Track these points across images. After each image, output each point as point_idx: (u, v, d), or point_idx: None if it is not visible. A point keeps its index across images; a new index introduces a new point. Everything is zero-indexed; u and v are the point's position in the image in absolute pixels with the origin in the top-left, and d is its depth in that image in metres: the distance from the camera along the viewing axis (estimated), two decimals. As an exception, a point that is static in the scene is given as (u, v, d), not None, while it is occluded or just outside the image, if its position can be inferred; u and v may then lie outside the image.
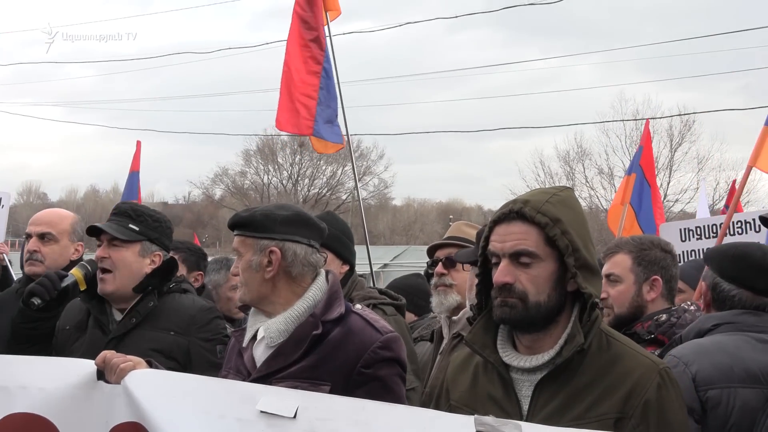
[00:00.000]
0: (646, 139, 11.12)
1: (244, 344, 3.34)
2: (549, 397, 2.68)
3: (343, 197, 64.11)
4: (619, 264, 4.15)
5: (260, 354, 3.28)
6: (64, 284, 4.09)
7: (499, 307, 2.72)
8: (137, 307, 4.02)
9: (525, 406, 2.72)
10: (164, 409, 3.01)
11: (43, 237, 4.80)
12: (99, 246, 4.09)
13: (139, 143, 11.36)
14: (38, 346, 4.07)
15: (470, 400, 2.85)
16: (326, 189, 65.37)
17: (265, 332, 3.25)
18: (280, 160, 65.90)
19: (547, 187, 2.98)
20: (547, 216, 2.69)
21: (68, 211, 5.13)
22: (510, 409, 2.72)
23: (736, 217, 7.22)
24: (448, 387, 3.01)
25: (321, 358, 3.16)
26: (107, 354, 3.20)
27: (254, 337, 3.32)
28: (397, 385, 3.22)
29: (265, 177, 66.36)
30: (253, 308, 3.38)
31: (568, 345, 2.68)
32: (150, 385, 3.09)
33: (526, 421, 2.64)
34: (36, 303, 3.99)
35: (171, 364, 3.79)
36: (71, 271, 4.12)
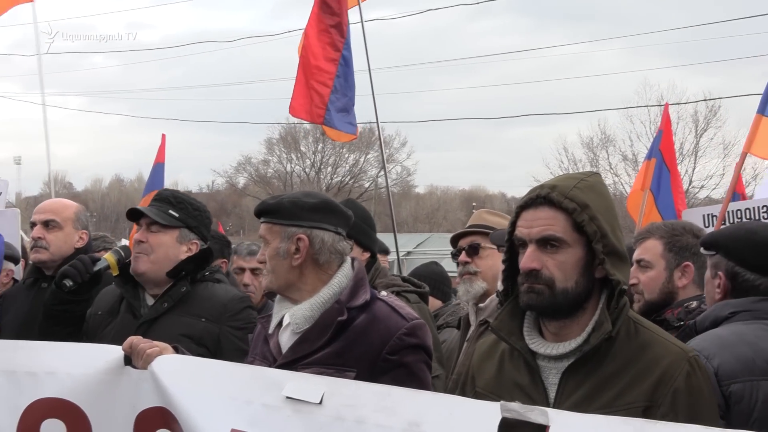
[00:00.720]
0: (666, 123, 10.81)
1: (270, 331, 3.35)
2: (576, 385, 2.66)
3: (366, 185, 64.13)
4: (650, 250, 4.08)
5: (286, 340, 3.28)
6: (96, 268, 4.12)
7: (526, 293, 2.70)
8: (169, 292, 4.05)
9: (552, 394, 2.70)
10: (190, 395, 3.03)
11: (47, 224, 4.84)
12: (137, 230, 4.11)
13: (164, 136, 11.37)
14: (69, 329, 4.10)
15: (496, 388, 2.82)
16: (349, 177, 65.41)
17: (291, 318, 3.26)
18: (302, 149, 65.99)
19: (574, 172, 2.94)
20: (574, 201, 2.66)
21: (71, 201, 5.18)
22: (536, 397, 2.69)
23: (762, 202, 7.15)
24: (473, 374, 2.99)
25: (346, 345, 3.17)
26: (134, 340, 3.22)
27: (280, 323, 3.32)
28: (423, 371, 3.22)
29: (288, 165, 66.52)
30: (278, 295, 3.39)
31: (595, 332, 2.65)
32: (176, 371, 3.11)
33: (553, 408, 2.61)
34: (68, 285, 4.03)
35: (201, 351, 3.81)
36: (104, 256, 4.16)
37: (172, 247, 4.07)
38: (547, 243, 2.68)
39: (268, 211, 3.36)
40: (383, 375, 3.08)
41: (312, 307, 3.25)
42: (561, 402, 2.65)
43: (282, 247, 3.29)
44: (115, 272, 4.12)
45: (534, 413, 2.43)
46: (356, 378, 3.03)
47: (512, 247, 2.81)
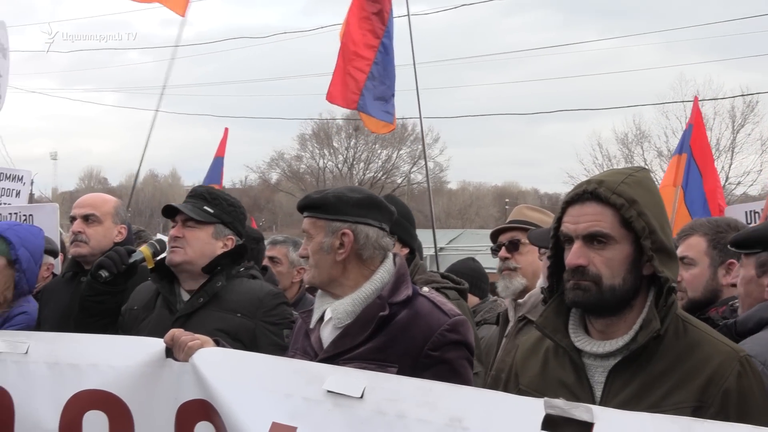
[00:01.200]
0: (696, 117, 10.35)
1: (312, 325, 3.34)
2: (623, 384, 2.61)
3: (398, 181, 64.11)
4: (694, 247, 4.01)
5: (327, 335, 3.27)
6: (132, 260, 4.13)
7: (572, 290, 2.66)
8: (205, 287, 4.05)
9: (598, 393, 2.65)
10: (231, 388, 3.02)
11: (87, 219, 4.85)
12: (173, 227, 4.13)
13: (226, 130, 11.55)
14: (104, 321, 4.12)
15: (540, 385, 2.79)
16: (381, 173, 65.42)
17: (333, 313, 3.25)
18: (335, 144, 66.19)
19: (621, 167, 2.88)
20: (622, 197, 2.61)
21: (110, 196, 5.20)
22: (582, 395, 2.65)
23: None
24: (517, 371, 2.95)
25: (388, 340, 3.15)
26: (175, 332, 3.23)
27: (321, 318, 3.31)
28: (465, 368, 3.20)
29: (321, 161, 66.74)
30: (320, 290, 3.38)
31: (643, 330, 2.61)
32: (217, 364, 3.11)
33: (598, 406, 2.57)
34: (104, 275, 4.04)
35: (236, 346, 3.78)
36: (140, 248, 4.17)
37: (208, 243, 4.09)
38: (594, 239, 2.63)
39: (312, 206, 3.33)
40: (425, 371, 3.05)
41: (354, 302, 3.24)
42: (607, 401, 2.60)
43: (326, 241, 3.27)
44: (150, 265, 4.13)
45: (578, 410, 2.37)
46: (398, 373, 2.97)
47: (557, 243, 2.77)
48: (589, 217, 2.64)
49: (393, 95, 8.80)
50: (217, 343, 3.25)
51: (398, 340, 3.14)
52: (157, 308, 4.11)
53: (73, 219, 4.90)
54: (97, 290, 4.13)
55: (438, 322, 3.17)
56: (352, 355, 3.15)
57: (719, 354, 2.58)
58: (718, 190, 10.02)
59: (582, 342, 2.71)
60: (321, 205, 3.31)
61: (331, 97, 8.88)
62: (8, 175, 9.24)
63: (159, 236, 6.05)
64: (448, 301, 3.39)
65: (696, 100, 11.27)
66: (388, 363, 3.10)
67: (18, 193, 9.19)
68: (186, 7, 9.82)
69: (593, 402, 2.61)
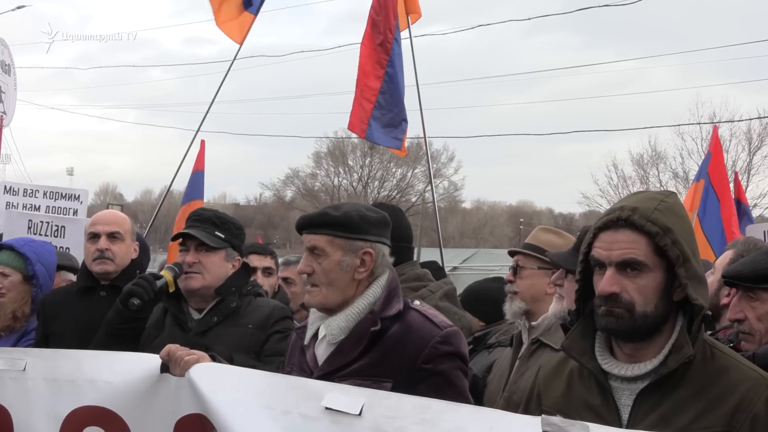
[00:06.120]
0: (715, 145, 10.45)
1: (306, 342, 3.32)
2: (651, 408, 2.56)
3: (413, 200, 64.15)
4: (723, 258, 4.06)
5: (322, 352, 3.26)
6: (158, 285, 4.13)
7: (604, 317, 2.60)
8: (219, 307, 4.09)
9: (625, 416, 2.61)
10: (228, 403, 2.99)
11: (112, 236, 4.83)
12: (182, 251, 4.17)
13: (203, 142, 10.98)
14: (131, 345, 4.11)
15: (564, 407, 2.74)
16: (396, 191, 65.49)
17: (326, 330, 3.22)
18: (350, 163, 66.38)
19: (650, 191, 2.82)
20: (657, 225, 2.55)
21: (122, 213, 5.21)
22: (609, 418, 2.60)
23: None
24: (539, 392, 2.90)
25: (381, 355, 3.13)
26: (172, 347, 3.21)
27: (316, 335, 3.29)
28: (459, 378, 3.18)
29: (336, 179, 66.90)
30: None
31: (673, 355, 2.56)
32: (214, 378, 3.08)
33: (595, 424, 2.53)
34: (135, 303, 4.05)
35: (251, 357, 3.88)
36: (162, 272, 4.17)
37: (221, 266, 4.15)
38: (627, 266, 2.58)
39: (333, 224, 3.27)
40: (419, 384, 3.04)
41: (347, 318, 3.21)
42: (635, 424, 2.57)
43: (346, 260, 3.23)
44: (171, 289, 4.14)
45: (575, 427, 2.36)
46: (393, 388, 3.00)
47: (587, 267, 2.71)
48: (623, 245, 2.59)
49: (403, 120, 9.05)
50: (213, 359, 3.22)
51: (391, 355, 3.13)
52: (168, 327, 4.12)
53: (94, 235, 4.85)
54: (127, 318, 4.13)
55: (430, 335, 3.15)
56: (347, 371, 3.13)
57: (748, 380, 2.53)
58: (732, 219, 9.97)
59: (609, 365, 2.66)
60: (344, 224, 3.25)
61: (351, 126, 9.28)
62: (64, 194, 9.16)
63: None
64: (440, 314, 3.35)
65: (716, 129, 11.25)
66: (382, 378, 3.08)
67: (75, 212, 9.08)
68: (243, 35, 10.14)
69: (620, 424, 2.59)
